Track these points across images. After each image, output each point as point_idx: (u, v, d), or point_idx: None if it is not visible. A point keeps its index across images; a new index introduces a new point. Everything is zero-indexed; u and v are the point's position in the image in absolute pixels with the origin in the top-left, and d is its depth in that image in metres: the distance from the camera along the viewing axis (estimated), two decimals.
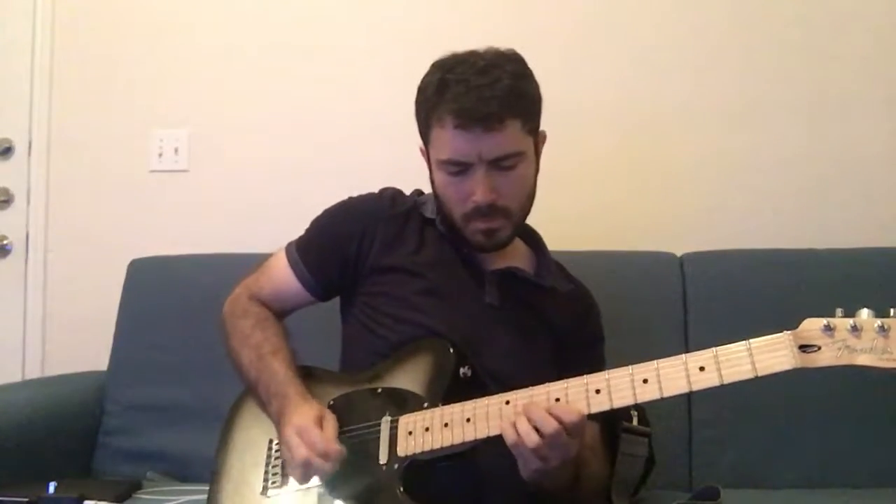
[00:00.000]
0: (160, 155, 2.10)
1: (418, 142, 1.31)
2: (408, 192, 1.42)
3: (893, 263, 1.66)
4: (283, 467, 1.18)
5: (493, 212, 1.22)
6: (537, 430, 0.99)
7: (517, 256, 1.36)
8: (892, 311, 0.90)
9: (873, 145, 1.91)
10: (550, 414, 0.99)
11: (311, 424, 1.11)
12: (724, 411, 1.61)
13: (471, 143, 1.17)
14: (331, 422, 1.14)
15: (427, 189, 1.39)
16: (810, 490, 1.54)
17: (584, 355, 1.30)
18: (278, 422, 1.18)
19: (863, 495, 1.50)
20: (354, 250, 1.32)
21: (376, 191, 1.40)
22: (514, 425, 1.01)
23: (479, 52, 1.22)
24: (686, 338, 1.65)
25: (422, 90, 1.25)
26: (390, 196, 1.38)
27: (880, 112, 1.92)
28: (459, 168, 1.20)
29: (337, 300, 1.41)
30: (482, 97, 1.15)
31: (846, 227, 1.87)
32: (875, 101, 1.92)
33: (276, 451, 1.21)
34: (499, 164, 1.19)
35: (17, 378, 2.07)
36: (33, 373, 2.11)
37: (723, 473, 1.55)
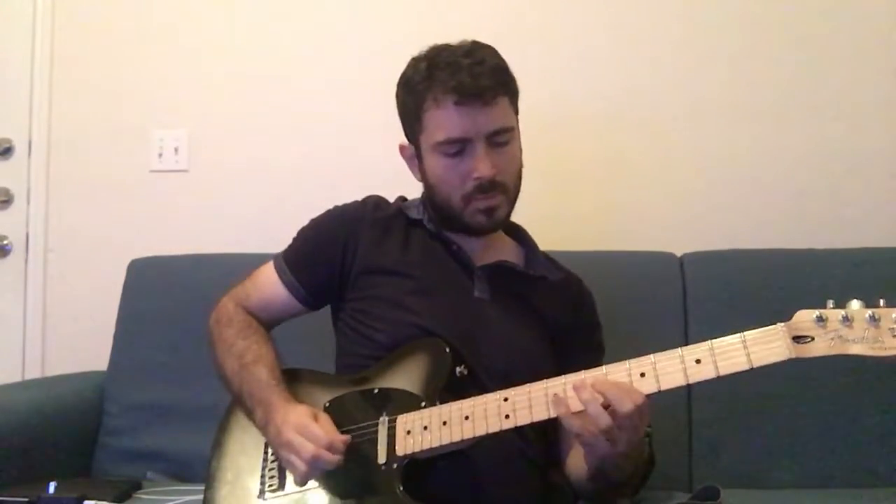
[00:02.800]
0: (160, 155, 2.10)
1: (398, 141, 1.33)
2: (405, 192, 1.42)
3: (893, 263, 1.66)
4: (280, 470, 1.18)
5: (494, 187, 1.24)
6: (608, 408, 0.97)
7: (505, 251, 1.37)
8: (881, 301, 0.92)
9: (873, 145, 1.91)
10: (621, 391, 0.97)
11: (309, 420, 1.12)
12: (723, 411, 1.61)
13: (470, 119, 1.21)
14: (325, 417, 1.15)
15: (410, 195, 1.40)
16: (810, 490, 1.53)
17: (582, 342, 1.31)
18: (265, 429, 1.18)
19: (863, 495, 1.49)
20: (340, 256, 1.33)
21: (368, 194, 1.42)
22: (585, 406, 0.98)
23: (456, 43, 1.27)
24: (686, 338, 1.65)
25: (407, 81, 1.28)
26: (373, 202, 1.40)
27: (881, 112, 1.92)
28: (458, 147, 1.23)
29: (327, 308, 1.41)
30: (475, 73, 1.20)
31: (846, 227, 1.88)
32: (875, 101, 1.92)
33: (273, 453, 1.20)
34: (495, 140, 1.23)
35: (17, 378, 2.07)
36: (33, 373, 2.11)
37: (723, 473, 1.55)
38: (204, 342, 1.67)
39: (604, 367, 1.03)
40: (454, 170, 1.24)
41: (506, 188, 1.26)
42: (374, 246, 1.32)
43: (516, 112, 1.29)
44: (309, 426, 1.11)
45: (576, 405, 1.00)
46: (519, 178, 1.30)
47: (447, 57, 1.23)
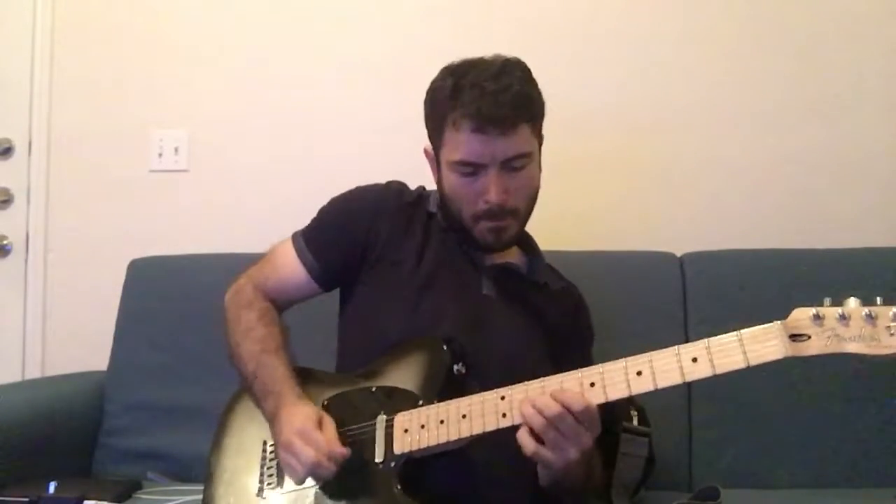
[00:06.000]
0: (160, 155, 2.10)
1: (421, 143, 1.33)
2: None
3: (893, 263, 1.66)
4: (278, 468, 1.18)
5: (503, 212, 1.25)
6: (541, 414, 1.00)
7: (512, 255, 1.38)
8: (878, 299, 0.91)
9: (873, 145, 1.91)
10: (554, 399, 1.00)
11: (312, 427, 1.12)
12: (723, 411, 1.61)
13: (486, 146, 1.21)
14: (329, 424, 1.14)
15: (429, 186, 1.40)
16: (810, 490, 1.53)
17: (574, 351, 1.32)
18: (272, 421, 1.19)
19: (863, 495, 1.50)
20: (362, 239, 1.33)
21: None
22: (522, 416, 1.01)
23: (488, 59, 1.26)
24: (686, 338, 1.64)
25: (433, 94, 1.28)
26: (397, 188, 1.40)
27: (881, 112, 1.92)
28: (472, 169, 1.23)
29: (336, 297, 1.41)
30: (497, 102, 1.19)
31: (846, 227, 1.88)
32: (875, 101, 1.92)
33: (271, 452, 1.21)
34: (510, 165, 1.23)
35: (17, 378, 2.07)
36: (33, 373, 2.11)
37: (723, 473, 1.55)
38: (202, 342, 1.69)
39: (600, 365, 1.03)
40: (467, 188, 1.25)
41: (516, 212, 1.27)
42: (396, 234, 1.33)
43: (539, 134, 1.29)
44: (310, 433, 1.11)
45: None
46: (534, 199, 1.31)
47: (474, 77, 1.21)
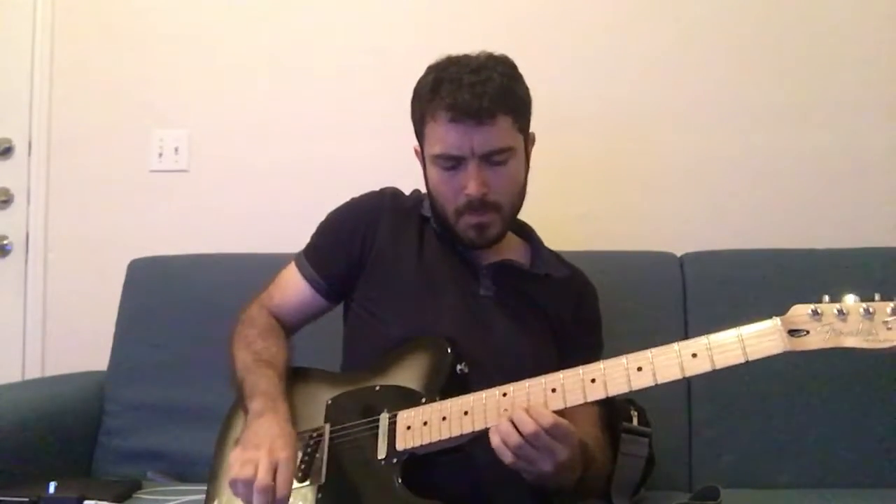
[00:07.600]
0: (160, 155, 2.10)
1: (414, 143, 1.33)
2: (406, 192, 1.43)
3: (893, 263, 1.66)
4: None
5: (485, 206, 1.24)
6: (518, 430, 1.01)
7: (511, 250, 1.38)
8: (876, 295, 0.92)
9: (874, 146, 1.91)
10: (528, 414, 1.01)
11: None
12: (724, 411, 1.61)
13: (463, 137, 1.20)
14: (284, 468, 1.07)
15: (424, 190, 1.40)
16: (810, 490, 1.53)
17: (581, 339, 1.32)
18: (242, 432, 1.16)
19: (863, 495, 1.50)
20: (358, 244, 1.34)
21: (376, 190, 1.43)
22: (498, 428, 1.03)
23: (472, 55, 1.26)
24: (686, 338, 1.62)
25: (417, 91, 1.29)
26: (391, 192, 1.41)
27: (880, 112, 1.92)
28: (452, 162, 1.23)
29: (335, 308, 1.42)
30: (475, 93, 1.19)
31: (846, 227, 1.88)
32: (875, 102, 1.92)
33: None
34: (490, 159, 1.22)
35: (17, 378, 2.07)
36: (33, 373, 2.11)
37: (723, 473, 1.55)
38: (201, 342, 1.69)
39: (601, 363, 1.04)
40: (448, 183, 1.25)
41: (499, 207, 1.26)
42: (390, 236, 1.34)
43: (523, 130, 1.28)
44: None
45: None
46: (518, 197, 1.30)
47: (454, 72, 1.22)
